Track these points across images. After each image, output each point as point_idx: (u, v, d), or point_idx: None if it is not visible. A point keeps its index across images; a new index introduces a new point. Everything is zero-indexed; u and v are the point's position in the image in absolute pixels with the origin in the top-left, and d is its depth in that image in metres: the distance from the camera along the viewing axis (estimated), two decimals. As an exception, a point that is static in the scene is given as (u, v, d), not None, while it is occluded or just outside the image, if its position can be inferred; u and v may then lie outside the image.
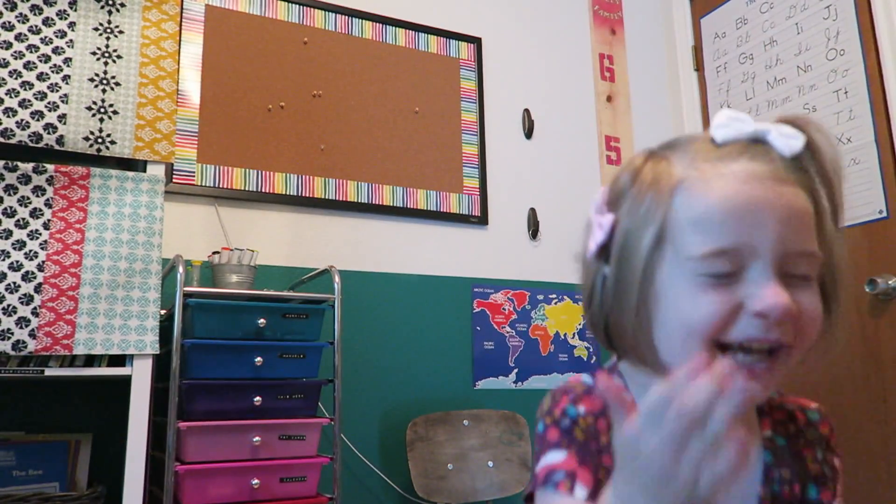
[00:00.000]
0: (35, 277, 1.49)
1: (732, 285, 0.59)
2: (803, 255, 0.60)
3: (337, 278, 1.82)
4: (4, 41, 1.57)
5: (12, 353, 1.43)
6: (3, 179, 1.51)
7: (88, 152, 1.59)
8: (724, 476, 0.46)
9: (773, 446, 0.69)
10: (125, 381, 1.56)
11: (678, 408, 0.47)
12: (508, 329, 2.43)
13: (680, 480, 0.47)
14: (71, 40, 1.63)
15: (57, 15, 1.63)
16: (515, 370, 2.40)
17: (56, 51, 1.61)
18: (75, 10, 1.65)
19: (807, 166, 0.63)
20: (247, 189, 2.12)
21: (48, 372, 1.48)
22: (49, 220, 1.53)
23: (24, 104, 1.55)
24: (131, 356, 1.55)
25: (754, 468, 0.67)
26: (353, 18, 2.40)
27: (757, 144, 0.63)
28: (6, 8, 1.59)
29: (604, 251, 0.68)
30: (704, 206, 0.61)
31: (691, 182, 0.62)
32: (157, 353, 1.57)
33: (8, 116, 1.53)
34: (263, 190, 2.14)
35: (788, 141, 0.62)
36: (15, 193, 1.52)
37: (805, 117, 0.64)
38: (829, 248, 0.63)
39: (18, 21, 1.59)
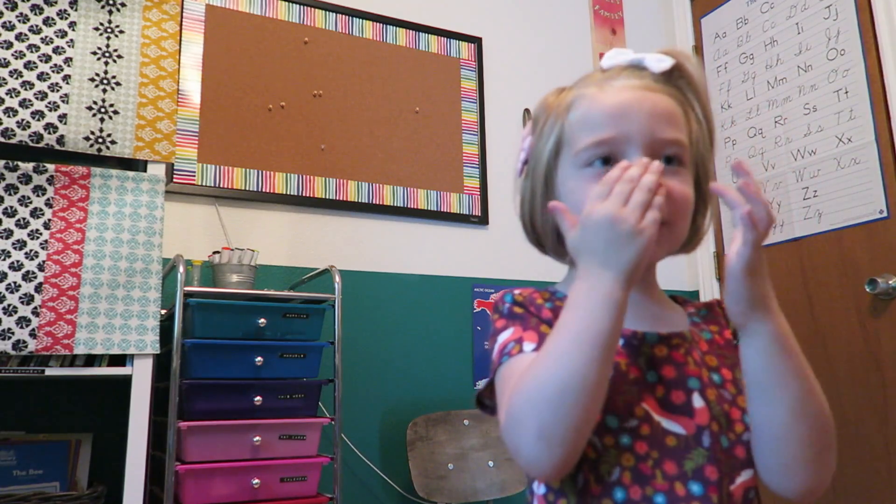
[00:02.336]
0: (35, 277, 1.49)
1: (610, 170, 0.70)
2: (669, 142, 0.72)
3: (337, 278, 1.82)
4: (5, 41, 1.57)
5: (13, 352, 1.43)
6: (4, 179, 1.51)
7: (89, 152, 1.59)
8: (655, 224, 0.64)
9: (696, 316, 0.83)
10: (125, 381, 1.56)
11: (621, 176, 0.66)
12: (509, 329, 2.42)
13: (628, 224, 0.63)
14: (71, 40, 1.63)
15: (57, 14, 1.63)
16: (516, 370, 2.40)
17: (57, 50, 1.61)
18: (76, 10, 1.65)
19: (676, 83, 0.77)
20: (247, 189, 2.12)
21: (49, 372, 1.48)
22: (49, 220, 1.53)
23: (24, 104, 1.55)
24: (132, 356, 1.55)
25: (684, 319, 0.81)
26: (354, 18, 2.40)
27: (636, 69, 0.77)
28: (7, 7, 1.59)
29: (525, 167, 0.84)
30: (589, 110, 0.75)
31: (581, 97, 0.77)
32: (158, 352, 1.57)
33: (8, 116, 1.53)
34: (264, 190, 2.14)
35: (659, 62, 0.76)
36: (15, 193, 1.52)
37: (677, 49, 0.79)
38: (695, 145, 0.77)
39: (19, 21, 1.59)
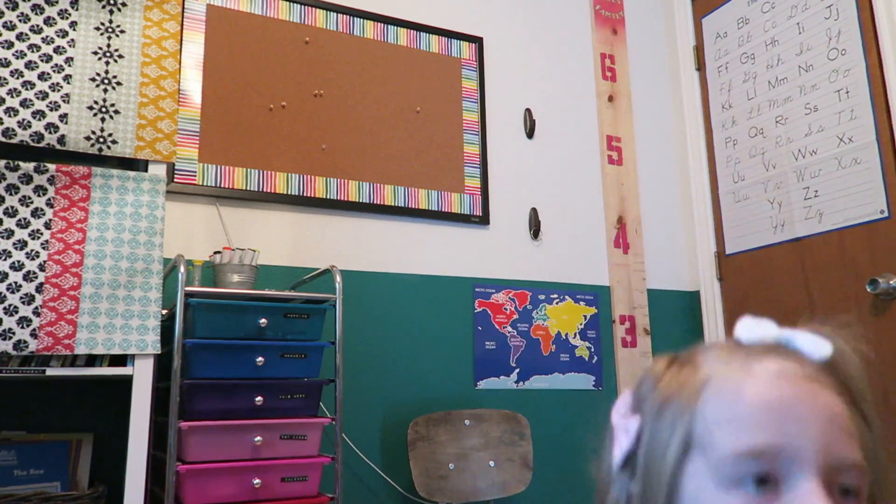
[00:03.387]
0: (36, 277, 1.49)
1: (771, 499, 0.52)
2: (850, 466, 0.54)
3: (338, 278, 1.81)
4: (6, 40, 1.57)
5: (14, 352, 1.43)
6: (5, 179, 1.51)
7: (90, 152, 1.59)
8: None
9: None
10: (126, 381, 1.56)
11: None
12: (510, 329, 2.43)
13: None
14: (72, 40, 1.63)
15: (58, 14, 1.63)
16: (517, 370, 2.40)
17: (57, 50, 1.61)
18: (77, 10, 1.65)
19: (836, 374, 0.59)
20: (248, 189, 2.12)
21: (49, 372, 1.48)
22: (50, 220, 1.53)
23: (25, 104, 1.55)
24: (132, 356, 1.55)
25: None
26: (355, 18, 2.40)
27: (783, 347, 0.59)
28: (7, 7, 1.59)
29: (628, 462, 0.61)
30: (736, 402, 0.55)
31: (720, 381, 0.58)
32: (159, 352, 1.57)
33: (9, 116, 1.53)
34: (265, 189, 2.14)
35: (817, 345, 0.59)
36: (16, 193, 1.52)
37: (829, 328, 0.61)
38: (873, 463, 0.57)
39: (20, 20, 1.59)
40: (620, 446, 0.61)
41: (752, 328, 0.60)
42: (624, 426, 0.62)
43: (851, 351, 0.60)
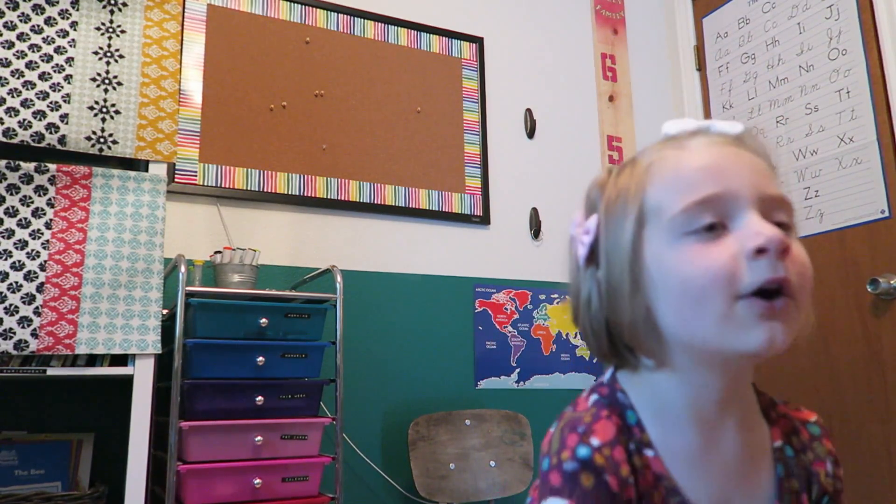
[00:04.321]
0: (37, 277, 1.49)
1: (722, 238, 0.60)
2: (779, 200, 0.63)
3: (339, 278, 1.81)
4: (6, 40, 1.57)
5: (14, 352, 1.43)
6: (6, 179, 1.51)
7: (90, 152, 1.59)
8: None
9: (783, 457, 0.69)
10: (127, 381, 1.56)
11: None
12: (510, 329, 2.43)
13: None
14: (73, 40, 1.63)
15: (59, 14, 1.63)
16: (517, 370, 2.40)
17: (58, 50, 1.61)
18: (77, 10, 1.65)
19: (751, 145, 0.67)
20: (249, 189, 2.12)
21: (50, 371, 1.48)
22: (51, 220, 1.53)
23: (26, 104, 1.55)
24: (133, 356, 1.55)
25: (768, 480, 0.67)
26: (356, 18, 2.40)
27: (704, 131, 0.67)
28: (8, 7, 1.59)
29: (592, 257, 0.68)
30: (677, 170, 0.64)
31: (659, 162, 0.66)
32: (159, 352, 1.57)
33: (10, 116, 1.53)
34: (265, 189, 2.14)
35: (731, 125, 0.67)
36: (17, 193, 1.52)
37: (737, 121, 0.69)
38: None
39: (20, 20, 1.59)
40: (582, 244, 0.69)
41: (675, 123, 0.69)
42: (583, 227, 0.69)
43: (763, 141, 0.68)
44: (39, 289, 1.48)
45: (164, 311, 1.65)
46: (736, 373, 0.65)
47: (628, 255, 0.64)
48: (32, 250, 1.50)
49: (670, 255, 0.62)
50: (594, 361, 2.54)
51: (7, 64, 1.56)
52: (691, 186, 0.62)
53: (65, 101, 1.59)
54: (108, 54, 1.66)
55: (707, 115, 2.77)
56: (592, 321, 0.68)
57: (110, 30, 1.68)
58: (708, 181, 0.61)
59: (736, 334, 0.59)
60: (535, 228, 2.54)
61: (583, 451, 0.62)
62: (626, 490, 0.61)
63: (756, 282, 0.59)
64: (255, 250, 1.86)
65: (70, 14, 1.64)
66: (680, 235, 0.61)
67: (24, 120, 1.54)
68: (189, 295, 1.64)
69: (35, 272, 1.49)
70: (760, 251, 0.58)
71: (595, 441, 0.62)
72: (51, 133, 1.56)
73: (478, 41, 2.61)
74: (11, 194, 1.51)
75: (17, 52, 1.58)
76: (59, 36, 1.62)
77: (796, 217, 0.65)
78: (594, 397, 0.69)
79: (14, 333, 1.44)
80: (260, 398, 1.65)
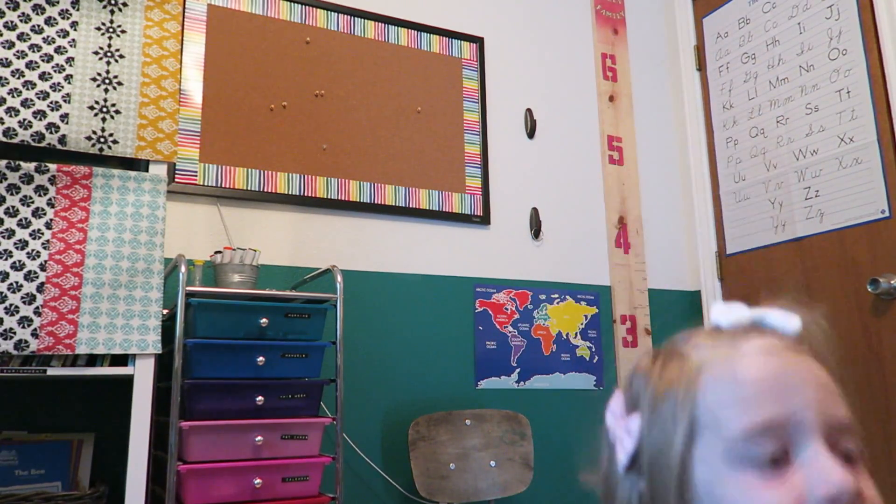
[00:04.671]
0: (37, 277, 1.49)
1: (785, 473, 0.53)
2: (846, 427, 0.56)
3: (339, 278, 1.81)
4: (7, 40, 1.57)
5: (14, 352, 1.43)
6: (6, 179, 1.51)
7: (91, 152, 1.59)
8: None
9: None
10: (127, 381, 1.55)
11: None
12: (510, 329, 2.43)
13: None
14: (73, 40, 1.63)
15: (59, 14, 1.63)
16: (518, 370, 2.40)
17: (58, 50, 1.61)
18: (77, 10, 1.65)
19: (808, 345, 0.60)
20: (249, 189, 2.12)
21: (50, 371, 1.48)
22: (51, 220, 1.53)
23: (26, 103, 1.55)
24: (133, 356, 1.55)
25: None
26: (356, 18, 2.40)
27: (759, 326, 0.61)
28: (8, 7, 1.59)
29: (633, 462, 0.60)
30: (734, 381, 0.56)
31: (712, 364, 0.58)
32: (160, 352, 1.57)
33: (10, 116, 1.53)
34: (266, 189, 2.14)
35: (788, 320, 0.61)
36: (17, 193, 1.52)
37: (795, 304, 0.63)
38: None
39: (21, 20, 1.59)
40: (624, 447, 0.61)
41: (726, 312, 0.61)
42: (623, 427, 0.61)
43: (815, 325, 0.62)
44: (40, 289, 1.48)
45: (165, 311, 1.65)
46: None
47: (677, 471, 0.56)
48: (33, 250, 1.50)
49: (726, 485, 0.54)
50: (595, 362, 2.54)
51: (7, 64, 1.56)
52: (752, 404, 0.54)
53: (65, 101, 1.59)
54: (109, 54, 1.66)
55: (707, 115, 2.77)
56: None
57: (110, 30, 1.68)
58: (771, 400, 0.54)
59: None
60: (536, 228, 2.54)
61: None
62: None
63: None
64: (255, 250, 1.86)
65: (70, 14, 1.64)
66: (737, 462, 0.54)
67: (25, 120, 1.54)
68: (189, 295, 1.64)
69: (35, 272, 1.49)
70: (832, 501, 0.52)
71: None
72: (51, 133, 1.56)
73: (478, 41, 2.61)
74: (12, 194, 1.51)
75: (18, 51, 1.58)
76: (59, 36, 1.62)
77: (861, 443, 0.58)
78: None
79: (14, 333, 1.44)
80: (260, 398, 1.65)
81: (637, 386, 0.62)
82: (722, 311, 0.62)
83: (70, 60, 1.62)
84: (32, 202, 1.52)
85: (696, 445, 0.56)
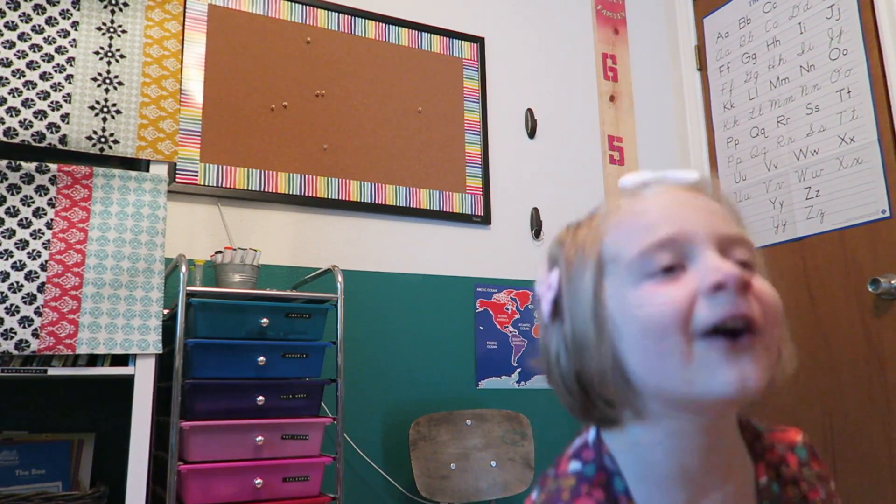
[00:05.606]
0: (38, 277, 1.49)
1: (681, 278, 0.59)
2: (737, 240, 0.62)
3: (340, 278, 1.82)
4: (7, 40, 1.57)
5: (15, 352, 1.43)
6: (6, 179, 1.51)
7: (91, 152, 1.59)
8: None
9: (770, 495, 0.67)
10: (128, 381, 1.56)
11: None
12: (511, 329, 2.43)
13: None
14: (74, 40, 1.63)
15: (60, 14, 1.63)
16: (518, 370, 2.40)
17: (59, 50, 1.61)
18: (78, 10, 1.65)
19: (709, 192, 0.67)
20: (250, 189, 2.12)
21: (51, 371, 1.48)
22: (52, 220, 1.53)
23: (27, 103, 1.55)
24: (134, 356, 1.55)
25: None
26: (357, 18, 2.40)
27: (660, 182, 0.67)
28: (9, 7, 1.59)
29: (556, 312, 0.67)
30: (633, 218, 0.63)
31: (616, 212, 0.65)
32: (160, 352, 1.57)
33: (11, 116, 1.53)
34: (266, 189, 2.14)
35: (686, 173, 0.66)
36: (18, 193, 1.52)
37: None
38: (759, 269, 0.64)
39: (21, 20, 1.59)
40: (546, 300, 0.68)
41: (631, 177, 0.68)
42: (546, 283, 0.69)
43: (722, 188, 0.68)
44: (40, 289, 1.48)
45: (165, 311, 1.65)
46: (715, 419, 0.62)
47: (590, 304, 0.63)
48: (33, 250, 1.50)
49: (630, 299, 0.60)
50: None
51: (8, 64, 1.56)
52: (647, 230, 0.61)
53: (66, 101, 1.59)
54: (109, 54, 1.66)
55: (708, 114, 2.77)
56: (564, 377, 0.66)
57: (111, 30, 1.68)
58: (663, 224, 0.61)
59: (703, 377, 0.57)
60: (536, 228, 2.54)
61: None
62: None
63: (714, 316, 0.57)
64: (255, 250, 1.86)
65: (71, 14, 1.64)
66: (639, 279, 0.60)
67: (25, 119, 1.54)
68: (190, 295, 1.64)
69: (36, 272, 1.49)
70: (718, 287, 0.57)
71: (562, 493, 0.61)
72: (52, 133, 1.56)
73: (479, 41, 2.61)
74: (12, 194, 1.51)
75: (18, 51, 1.58)
76: (60, 36, 1.62)
77: (759, 257, 0.64)
78: (576, 465, 0.67)
79: (15, 333, 1.44)
80: (261, 398, 1.65)
81: (555, 251, 0.70)
82: (627, 176, 0.68)
83: (71, 60, 1.62)
84: (33, 202, 1.52)
85: (604, 279, 0.63)
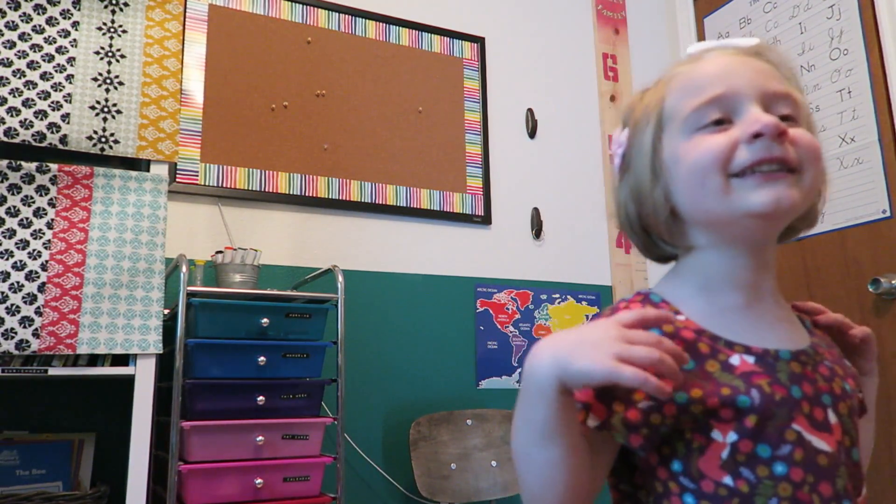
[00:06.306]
0: (38, 277, 1.49)
1: (727, 130, 0.68)
2: (782, 96, 0.69)
3: (340, 278, 1.81)
4: (8, 40, 1.57)
5: (16, 352, 1.43)
6: (7, 179, 1.51)
7: (92, 152, 1.59)
8: None
9: (804, 322, 0.78)
10: (128, 381, 1.55)
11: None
12: (512, 329, 2.43)
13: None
14: (74, 40, 1.63)
15: (60, 14, 1.63)
16: (519, 370, 2.40)
17: (59, 50, 1.61)
18: (79, 10, 1.65)
19: (767, 58, 0.74)
20: (250, 188, 2.12)
21: (52, 371, 1.48)
22: (52, 220, 1.53)
23: (27, 103, 1.55)
24: (134, 356, 1.55)
25: (801, 332, 0.75)
26: (357, 18, 2.40)
27: (722, 48, 0.75)
28: (9, 7, 1.59)
29: (624, 166, 0.77)
30: (690, 79, 0.72)
31: (677, 74, 0.74)
32: (161, 352, 1.57)
33: (11, 116, 1.53)
34: (267, 189, 2.14)
35: (746, 40, 0.74)
36: (18, 193, 1.52)
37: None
38: (805, 119, 0.72)
39: (22, 20, 1.59)
40: (617, 155, 0.78)
41: (696, 45, 0.76)
42: (617, 142, 0.78)
43: (784, 54, 0.75)
44: (41, 289, 1.48)
45: (166, 311, 1.65)
46: (755, 247, 0.71)
47: (649, 155, 0.73)
48: (34, 250, 1.50)
49: (682, 148, 0.70)
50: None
51: (8, 63, 1.56)
52: (700, 90, 0.69)
53: (66, 101, 1.59)
54: (110, 54, 1.66)
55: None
56: (630, 221, 0.77)
57: (112, 29, 1.68)
58: (715, 84, 0.69)
59: (740, 199, 0.66)
60: (537, 228, 2.54)
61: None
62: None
63: (750, 159, 0.66)
64: (256, 250, 1.85)
65: (71, 14, 1.64)
66: (691, 132, 0.69)
67: (26, 119, 1.54)
68: (190, 295, 1.64)
69: (36, 272, 1.49)
70: (756, 135, 0.65)
71: (626, 314, 0.67)
72: (52, 133, 1.56)
73: (479, 41, 2.61)
74: (13, 194, 1.51)
75: (19, 51, 1.58)
76: (60, 36, 1.62)
77: (805, 111, 0.71)
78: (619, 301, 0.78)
79: (15, 333, 1.44)
80: (261, 398, 1.65)
81: (626, 114, 0.78)
82: (693, 45, 0.77)
83: (71, 60, 1.62)
84: (34, 202, 1.52)
85: (663, 134, 0.72)
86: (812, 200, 0.71)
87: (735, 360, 0.67)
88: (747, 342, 0.68)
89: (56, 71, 1.60)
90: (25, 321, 1.45)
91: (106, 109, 1.62)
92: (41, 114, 1.56)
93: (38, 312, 1.47)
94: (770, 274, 0.74)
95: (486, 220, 2.46)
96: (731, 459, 0.64)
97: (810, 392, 0.67)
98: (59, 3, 1.63)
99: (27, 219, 1.51)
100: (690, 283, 0.75)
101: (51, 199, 1.54)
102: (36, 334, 1.46)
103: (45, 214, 1.53)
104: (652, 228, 0.75)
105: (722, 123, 0.68)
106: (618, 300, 0.78)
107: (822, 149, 0.69)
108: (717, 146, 0.67)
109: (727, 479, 0.64)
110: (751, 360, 0.67)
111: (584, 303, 2.56)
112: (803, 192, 0.67)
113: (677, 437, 0.66)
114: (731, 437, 0.64)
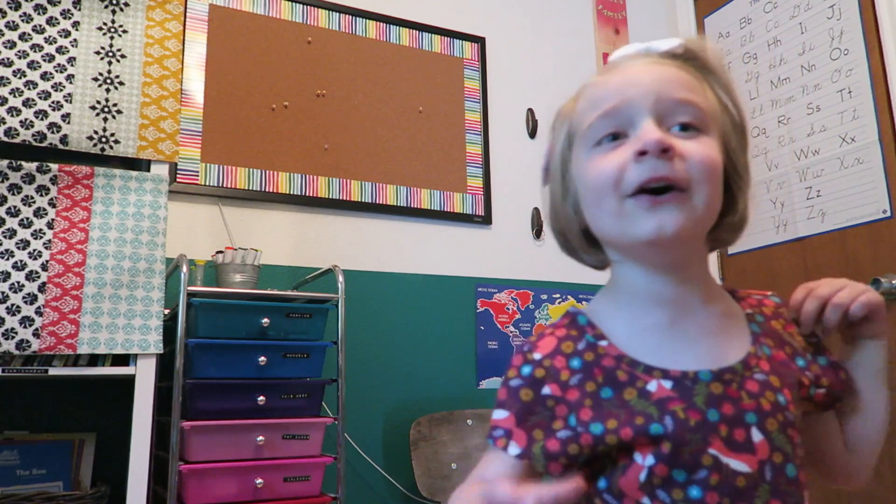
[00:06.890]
0: (39, 277, 1.49)
1: (621, 146, 0.67)
2: (681, 102, 0.67)
3: (340, 278, 1.81)
4: (8, 40, 1.57)
5: (16, 352, 1.43)
6: (7, 179, 1.51)
7: (92, 152, 1.59)
8: None
9: (755, 321, 0.75)
10: (129, 381, 1.56)
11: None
12: (512, 328, 2.43)
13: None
14: (75, 40, 1.63)
15: (61, 14, 1.63)
16: (519, 370, 2.39)
17: (60, 50, 1.61)
18: (79, 10, 1.65)
19: (691, 64, 0.72)
20: (250, 188, 2.12)
21: (52, 371, 1.48)
22: (53, 220, 1.53)
23: (27, 103, 1.55)
24: (135, 356, 1.55)
25: (743, 339, 0.72)
26: (357, 18, 2.40)
27: (643, 55, 0.73)
28: (10, 7, 1.59)
29: (546, 177, 0.79)
30: (594, 90, 0.71)
31: (586, 86, 0.73)
32: (161, 352, 1.57)
33: (12, 115, 1.53)
34: (267, 189, 2.14)
35: (666, 43, 0.72)
36: (19, 193, 1.52)
37: (694, 37, 0.75)
38: (719, 124, 0.70)
39: (22, 20, 1.59)
40: (543, 166, 0.79)
41: (621, 49, 0.75)
42: (545, 153, 0.79)
43: (707, 47, 0.73)
44: (41, 289, 1.48)
45: (166, 311, 1.65)
46: (668, 263, 0.70)
47: (559, 170, 0.74)
48: (34, 250, 1.50)
49: (582, 166, 0.70)
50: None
51: (9, 63, 1.56)
52: (598, 102, 0.69)
53: (67, 101, 1.59)
54: (110, 54, 1.66)
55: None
56: (552, 227, 0.79)
57: (112, 29, 1.68)
58: (611, 96, 0.68)
59: (629, 226, 0.66)
60: (537, 228, 2.54)
61: (526, 370, 0.69)
62: (567, 392, 0.67)
63: (636, 180, 0.65)
64: (256, 250, 1.86)
65: (72, 14, 1.64)
66: (590, 148, 0.69)
67: (26, 119, 1.54)
68: (191, 295, 1.64)
69: (37, 272, 1.49)
70: (641, 153, 0.64)
71: (537, 355, 0.69)
72: (53, 133, 1.56)
73: (479, 41, 2.61)
74: (13, 194, 1.51)
75: (19, 51, 1.58)
76: (60, 36, 1.62)
77: (715, 117, 0.70)
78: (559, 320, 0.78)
79: (16, 333, 1.44)
80: (261, 398, 1.65)
81: (553, 119, 0.79)
82: (618, 50, 0.75)
83: (72, 60, 1.62)
84: (34, 202, 1.52)
85: (572, 150, 0.72)
86: (710, 217, 0.69)
87: (652, 385, 0.66)
88: (666, 365, 0.68)
89: (56, 71, 1.60)
90: (26, 321, 1.45)
91: (106, 109, 1.62)
92: (41, 114, 1.56)
93: (39, 312, 1.47)
94: (697, 286, 0.71)
95: (486, 220, 2.46)
96: (648, 482, 0.64)
97: (731, 412, 0.66)
98: (59, 3, 1.63)
99: (27, 219, 1.51)
100: (618, 299, 0.74)
101: (51, 199, 1.54)
102: (36, 334, 1.46)
103: (46, 214, 1.53)
104: (569, 236, 0.76)
105: (618, 138, 0.68)
106: (547, 325, 0.77)
107: (719, 161, 0.67)
108: (608, 167, 0.66)
109: (645, 500, 0.64)
110: (668, 384, 0.66)
111: (584, 303, 2.56)
112: (693, 213, 0.65)
113: (605, 454, 0.66)
114: (649, 460, 0.64)
